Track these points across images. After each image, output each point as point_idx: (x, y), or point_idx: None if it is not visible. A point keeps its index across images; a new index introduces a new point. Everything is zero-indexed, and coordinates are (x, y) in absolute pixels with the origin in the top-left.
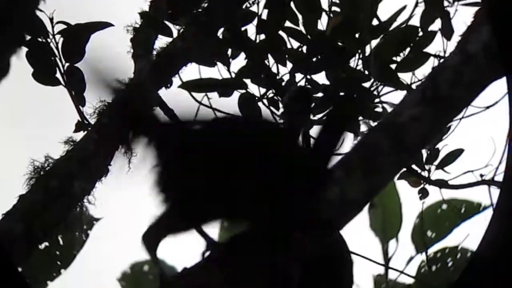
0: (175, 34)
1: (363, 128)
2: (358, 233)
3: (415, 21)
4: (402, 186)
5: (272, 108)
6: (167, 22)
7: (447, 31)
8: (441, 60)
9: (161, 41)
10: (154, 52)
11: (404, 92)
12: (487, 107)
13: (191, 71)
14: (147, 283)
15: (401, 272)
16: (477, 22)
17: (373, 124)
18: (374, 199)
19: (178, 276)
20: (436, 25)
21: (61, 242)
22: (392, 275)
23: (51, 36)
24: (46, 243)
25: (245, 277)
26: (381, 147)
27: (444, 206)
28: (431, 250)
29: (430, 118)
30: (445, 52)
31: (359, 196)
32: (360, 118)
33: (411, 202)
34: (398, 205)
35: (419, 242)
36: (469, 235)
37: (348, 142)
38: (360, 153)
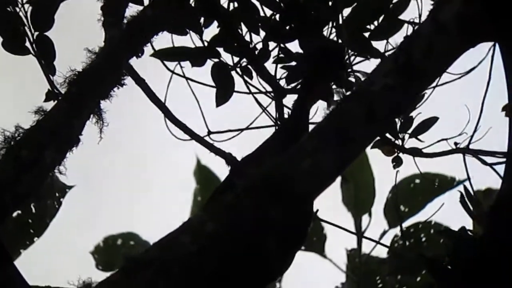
0: (146, 2)
1: (336, 97)
2: (330, 207)
3: None
4: (376, 160)
5: (245, 77)
6: None
7: None
8: (415, 27)
9: (132, 9)
10: (125, 21)
11: (378, 61)
12: (462, 75)
13: (163, 41)
14: (119, 257)
15: (377, 242)
16: None
17: (346, 93)
18: (346, 174)
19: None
20: None
21: (33, 211)
22: (365, 249)
23: (19, 5)
24: (19, 211)
25: None
26: (354, 116)
27: (418, 181)
28: (405, 225)
29: (403, 87)
30: (420, 17)
31: (332, 166)
32: (334, 86)
33: (384, 176)
34: (371, 180)
35: (392, 217)
36: (441, 208)
37: (321, 111)
38: (333, 123)
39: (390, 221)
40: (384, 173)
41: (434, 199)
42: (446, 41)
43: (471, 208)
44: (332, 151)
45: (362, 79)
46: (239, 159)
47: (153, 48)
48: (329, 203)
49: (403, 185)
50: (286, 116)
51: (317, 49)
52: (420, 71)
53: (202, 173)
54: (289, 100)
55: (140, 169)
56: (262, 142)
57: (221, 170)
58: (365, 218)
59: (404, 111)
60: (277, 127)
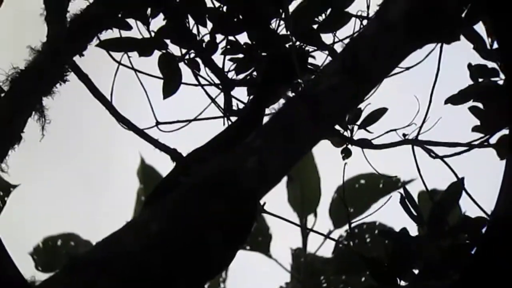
0: None
1: (283, 95)
2: (276, 207)
3: None
4: (322, 159)
5: (193, 69)
6: None
7: None
8: (364, 21)
9: (76, 5)
10: (69, 16)
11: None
12: (411, 67)
13: (109, 35)
14: (59, 258)
15: (326, 236)
16: None
17: (292, 92)
18: (292, 173)
19: None
20: None
21: None
22: (311, 248)
23: None
24: None
25: None
26: (300, 116)
27: (363, 181)
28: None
29: (349, 87)
30: (368, 10)
31: (277, 165)
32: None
33: (329, 176)
34: (316, 179)
35: (337, 217)
36: (388, 209)
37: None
38: (279, 122)
39: (336, 221)
40: (330, 173)
41: (379, 199)
42: (393, 41)
43: (412, 209)
44: (278, 150)
45: (309, 77)
46: (185, 154)
47: (98, 38)
48: (275, 203)
49: (348, 185)
50: (235, 108)
51: (281, 52)
52: (367, 72)
53: (146, 172)
54: (237, 92)
55: (83, 168)
56: (210, 139)
57: (166, 169)
58: (310, 218)
59: (349, 111)
60: (225, 119)
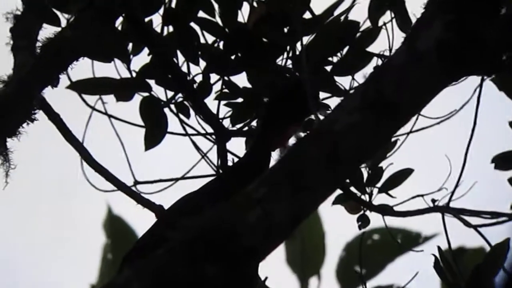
0: (63, 23)
1: (292, 137)
2: (272, 268)
3: (357, 15)
4: (326, 210)
5: (181, 115)
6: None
7: (402, 22)
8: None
9: (47, 31)
10: (38, 44)
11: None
12: (441, 120)
13: (83, 69)
14: None
15: None
16: (429, 13)
17: (303, 132)
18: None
19: None
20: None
21: None
22: None
23: None
24: None
25: None
26: (313, 159)
27: (377, 237)
28: None
29: (371, 126)
30: (390, 51)
31: (285, 218)
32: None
33: (336, 230)
34: (321, 235)
35: (346, 280)
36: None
37: (274, 153)
38: (288, 167)
39: (344, 284)
40: (336, 226)
41: (397, 258)
42: (424, 72)
43: (448, 275)
44: (285, 201)
45: (322, 116)
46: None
47: (69, 78)
48: (270, 263)
49: (359, 242)
50: (230, 163)
51: (289, 83)
52: (393, 107)
53: (115, 225)
54: (234, 144)
55: (46, 219)
56: (201, 186)
57: (139, 221)
58: (313, 281)
59: (372, 156)
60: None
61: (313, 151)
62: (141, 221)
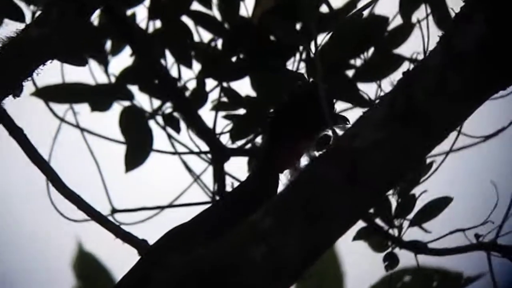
0: (28, 19)
1: (304, 156)
2: None
3: (385, 9)
4: (345, 242)
5: (169, 129)
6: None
7: (439, 18)
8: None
9: (8, 28)
10: None
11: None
12: (486, 137)
13: (51, 74)
14: None
15: None
16: (470, 7)
17: (317, 151)
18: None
19: None
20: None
21: None
22: None
23: None
24: None
25: None
26: (329, 184)
27: (408, 278)
28: None
29: (400, 143)
30: (425, 53)
31: (295, 256)
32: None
33: (358, 271)
34: (338, 276)
35: None
36: None
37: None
38: (299, 193)
39: None
40: (357, 265)
41: None
42: (464, 77)
43: None
44: (295, 234)
45: (341, 131)
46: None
47: (34, 83)
48: None
49: (387, 284)
50: (229, 188)
51: (300, 90)
52: (426, 119)
53: (85, 263)
54: (234, 165)
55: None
56: (195, 216)
57: (116, 259)
58: None
59: (402, 180)
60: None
61: (330, 173)
62: (120, 260)
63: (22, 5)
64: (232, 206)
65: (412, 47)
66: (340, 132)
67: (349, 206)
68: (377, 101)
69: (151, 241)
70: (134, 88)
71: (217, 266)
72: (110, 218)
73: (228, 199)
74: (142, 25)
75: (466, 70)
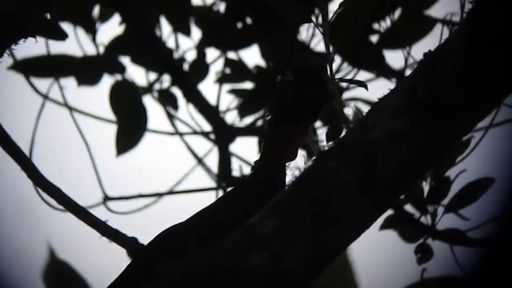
0: None
1: (313, 148)
2: None
3: None
4: (360, 248)
5: (168, 106)
6: None
7: None
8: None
9: None
10: None
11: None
12: None
13: (33, 44)
14: None
15: None
16: None
17: (328, 143)
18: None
19: None
20: None
21: None
22: None
23: None
24: None
25: None
26: (341, 181)
27: None
28: None
29: (423, 135)
30: (462, 15)
31: (300, 263)
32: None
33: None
34: (353, 282)
35: None
36: None
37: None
38: (307, 191)
39: None
40: (374, 274)
41: None
42: (496, 58)
43: None
44: (301, 239)
45: (355, 118)
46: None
47: (12, 55)
48: None
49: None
50: (236, 172)
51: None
52: (452, 107)
53: (58, 273)
54: (240, 145)
55: None
56: (190, 216)
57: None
58: None
59: (423, 174)
60: (220, 190)
61: (340, 169)
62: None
63: None
64: (234, 202)
65: (446, 8)
66: (352, 122)
67: (362, 206)
68: (406, 69)
69: (146, 235)
70: (125, 60)
71: (211, 275)
72: (102, 206)
73: (227, 196)
74: None
75: (496, 50)
